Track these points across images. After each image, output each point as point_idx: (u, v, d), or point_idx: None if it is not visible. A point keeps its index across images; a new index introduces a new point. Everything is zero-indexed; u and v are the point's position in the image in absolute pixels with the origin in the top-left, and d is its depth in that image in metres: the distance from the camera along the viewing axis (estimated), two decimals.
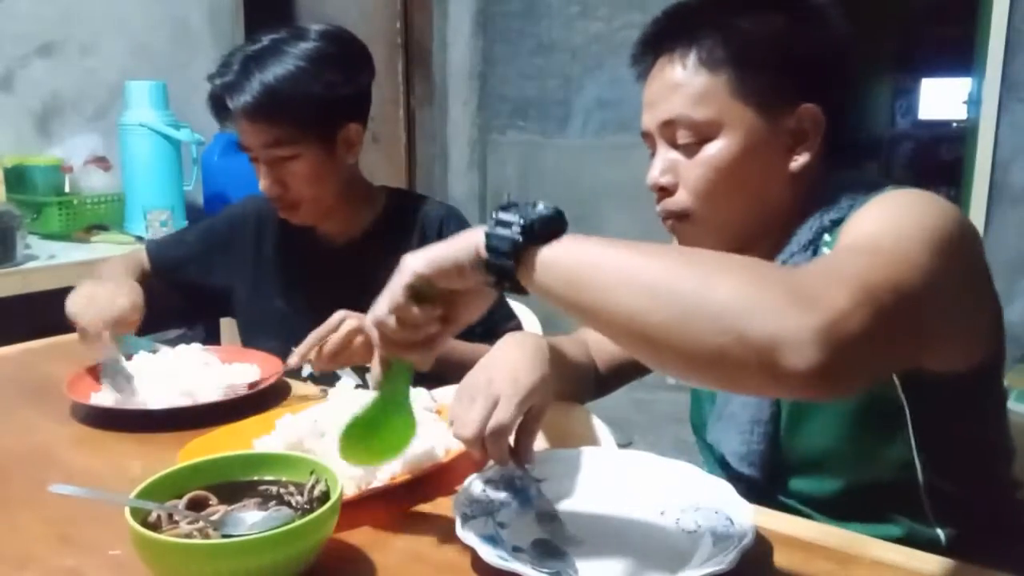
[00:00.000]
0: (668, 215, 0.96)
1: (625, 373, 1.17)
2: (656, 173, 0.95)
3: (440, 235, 1.41)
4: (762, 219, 0.94)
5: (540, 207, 0.69)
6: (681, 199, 0.94)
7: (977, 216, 2.92)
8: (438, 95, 3.78)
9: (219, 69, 1.34)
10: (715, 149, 0.91)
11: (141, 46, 2.76)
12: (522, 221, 0.67)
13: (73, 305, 1.27)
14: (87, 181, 2.45)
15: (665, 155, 0.95)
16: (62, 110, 2.63)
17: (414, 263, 0.72)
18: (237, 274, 1.52)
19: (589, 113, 3.47)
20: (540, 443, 0.94)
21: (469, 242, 0.70)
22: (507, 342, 0.95)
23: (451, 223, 1.46)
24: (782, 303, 0.57)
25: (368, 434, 0.78)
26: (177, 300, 1.53)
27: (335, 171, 1.39)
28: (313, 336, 1.16)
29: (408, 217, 1.46)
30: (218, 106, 1.34)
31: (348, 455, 0.78)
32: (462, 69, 3.74)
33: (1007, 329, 0.91)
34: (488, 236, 0.69)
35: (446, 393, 1.09)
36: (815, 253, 0.91)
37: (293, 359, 1.17)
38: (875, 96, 7.09)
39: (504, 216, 0.69)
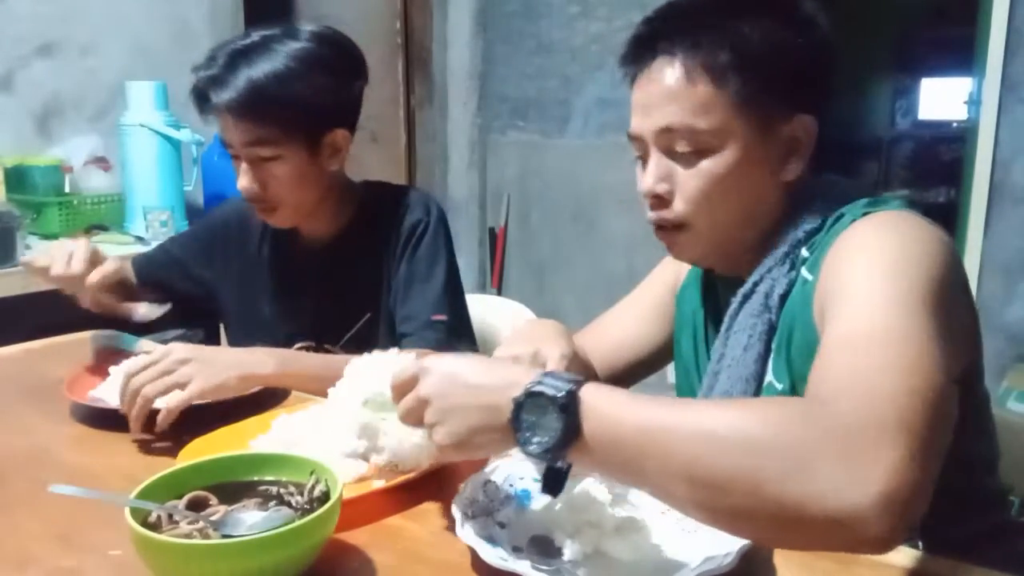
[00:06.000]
0: (663, 224, 0.95)
1: (624, 381, 1.16)
2: (651, 181, 0.92)
3: (415, 230, 1.39)
4: (753, 227, 0.94)
5: (552, 396, 0.66)
6: (678, 210, 0.92)
7: (977, 216, 2.91)
8: (438, 95, 3.78)
9: (205, 62, 1.30)
10: (716, 161, 0.89)
11: (141, 46, 2.76)
12: (552, 436, 0.66)
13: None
14: (87, 181, 2.45)
15: (659, 162, 0.92)
16: (62, 110, 2.63)
17: (439, 438, 0.72)
18: (223, 279, 1.50)
19: (589, 113, 3.47)
20: None
21: (498, 425, 0.69)
22: (531, 323, 0.99)
23: (428, 216, 1.41)
24: (837, 478, 0.58)
25: None
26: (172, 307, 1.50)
27: (317, 176, 1.35)
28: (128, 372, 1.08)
29: (386, 210, 1.43)
30: (201, 99, 1.30)
31: None
32: (462, 69, 3.74)
33: (1006, 329, 0.91)
34: (522, 444, 0.68)
35: None
36: (792, 268, 0.91)
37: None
38: (875, 96, 7.09)
39: (531, 439, 0.67)
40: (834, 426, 0.60)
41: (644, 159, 0.95)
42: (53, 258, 1.32)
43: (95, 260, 1.33)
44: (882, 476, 0.57)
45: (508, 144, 3.75)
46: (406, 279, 1.39)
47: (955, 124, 6.00)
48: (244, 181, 1.32)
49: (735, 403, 0.70)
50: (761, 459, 0.59)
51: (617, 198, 3.28)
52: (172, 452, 0.96)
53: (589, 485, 0.81)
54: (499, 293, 3.81)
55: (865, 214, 0.87)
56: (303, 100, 1.28)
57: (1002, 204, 2.83)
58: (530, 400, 0.67)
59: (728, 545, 0.72)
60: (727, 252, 0.96)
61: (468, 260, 3.78)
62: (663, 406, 0.65)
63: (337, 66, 1.33)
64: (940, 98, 6.88)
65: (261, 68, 1.26)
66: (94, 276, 1.31)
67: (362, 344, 1.31)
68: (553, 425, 0.66)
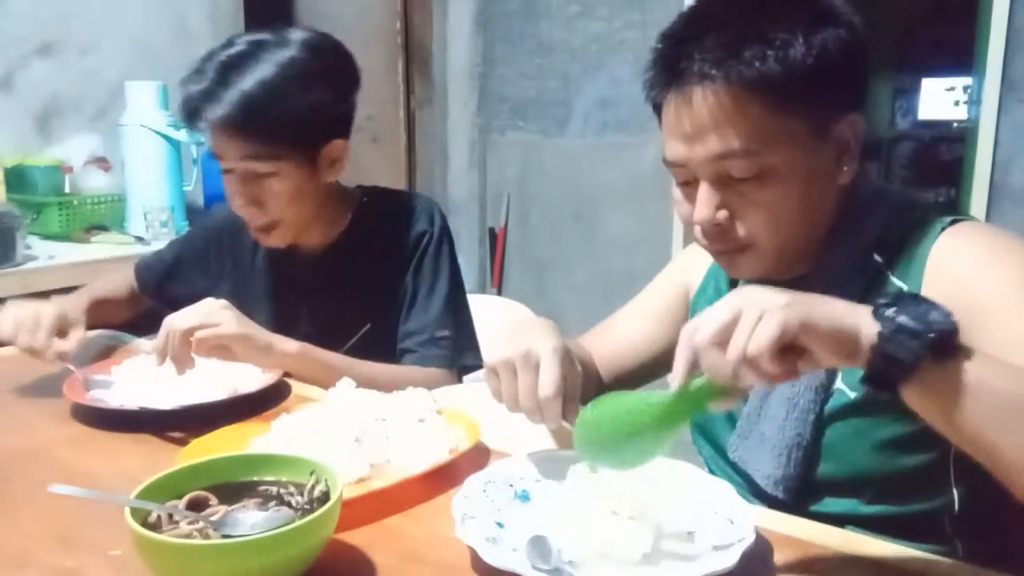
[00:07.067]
0: (727, 250, 0.92)
1: (629, 385, 1.15)
2: (709, 212, 0.88)
3: (419, 242, 1.37)
4: (813, 235, 0.92)
5: (935, 315, 0.65)
6: (742, 234, 0.89)
7: (977, 216, 2.91)
8: (438, 95, 3.78)
9: (193, 74, 1.25)
10: (777, 180, 0.85)
11: (141, 46, 2.76)
12: (930, 336, 0.64)
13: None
14: (87, 181, 2.45)
15: (713, 189, 0.88)
16: (62, 110, 2.63)
17: (787, 316, 0.65)
18: (218, 285, 1.47)
19: (589, 113, 3.47)
20: (541, 443, 0.94)
21: (851, 323, 0.66)
22: (522, 320, 0.96)
23: (432, 227, 1.40)
24: None
25: (613, 428, 0.76)
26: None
27: (315, 189, 1.31)
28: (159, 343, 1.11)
29: (388, 217, 1.41)
30: (191, 114, 1.25)
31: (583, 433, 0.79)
32: (462, 69, 3.74)
33: None
34: (884, 340, 0.65)
35: (447, 394, 1.10)
36: (863, 273, 0.90)
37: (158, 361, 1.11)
38: (875, 96, 7.09)
39: (906, 323, 0.65)
40: None
41: (689, 184, 0.91)
42: (18, 325, 1.23)
43: (63, 327, 1.25)
44: None
45: (508, 144, 3.75)
46: (410, 294, 1.37)
47: (955, 124, 6.01)
48: (239, 201, 1.28)
49: None
50: None
51: (617, 198, 3.28)
52: (172, 452, 0.96)
53: (589, 485, 0.81)
54: (499, 293, 3.82)
55: (953, 222, 0.87)
56: (300, 115, 1.23)
57: (1002, 204, 2.83)
58: (901, 314, 0.65)
59: (729, 546, 0.72)
60: (785, 262, 0.93)
61: (468, 260, 3.78)
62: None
63: (333, 77, 1.29)
64: (940, 98, 6.88)
65: (252, 80, 1.21)
66: (64, 345, 1.23)
67: (364, 354, 1.31)
68: (933, 317, 0.65)
